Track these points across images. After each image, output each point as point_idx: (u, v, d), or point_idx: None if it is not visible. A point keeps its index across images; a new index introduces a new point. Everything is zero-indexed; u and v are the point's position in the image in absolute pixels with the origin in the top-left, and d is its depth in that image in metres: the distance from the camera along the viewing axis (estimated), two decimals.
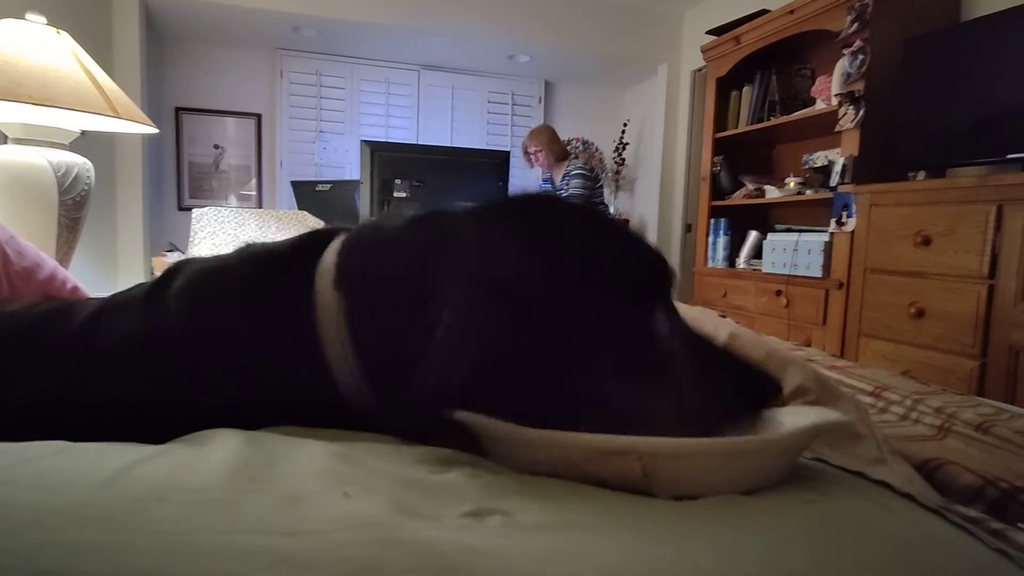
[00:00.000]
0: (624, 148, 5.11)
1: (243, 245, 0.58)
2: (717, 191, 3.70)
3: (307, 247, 0.56)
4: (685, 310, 0.85)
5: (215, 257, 0.58)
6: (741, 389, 0.51)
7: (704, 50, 3.74)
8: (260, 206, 4.89)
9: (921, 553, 0.35)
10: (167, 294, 0.54)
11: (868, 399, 1.00)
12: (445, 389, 0.44)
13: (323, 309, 0.51)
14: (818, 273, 2.73)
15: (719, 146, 3.70)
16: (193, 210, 2.89)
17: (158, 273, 0.59)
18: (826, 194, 2.86)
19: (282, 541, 0.28)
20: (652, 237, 4.90)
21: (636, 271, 0.52)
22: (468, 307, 0.45)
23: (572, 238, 0.51)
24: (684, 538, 0.33)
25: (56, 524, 0.28)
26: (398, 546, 0.28)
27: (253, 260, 0.56)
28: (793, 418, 0.50)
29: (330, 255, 0.53)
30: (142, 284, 0.59)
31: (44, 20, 1.53)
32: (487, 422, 0.43)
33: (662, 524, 0.35)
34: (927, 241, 2.17)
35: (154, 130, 1.73)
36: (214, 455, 0.37)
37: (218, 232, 2.61)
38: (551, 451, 0.41)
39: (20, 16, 1.50)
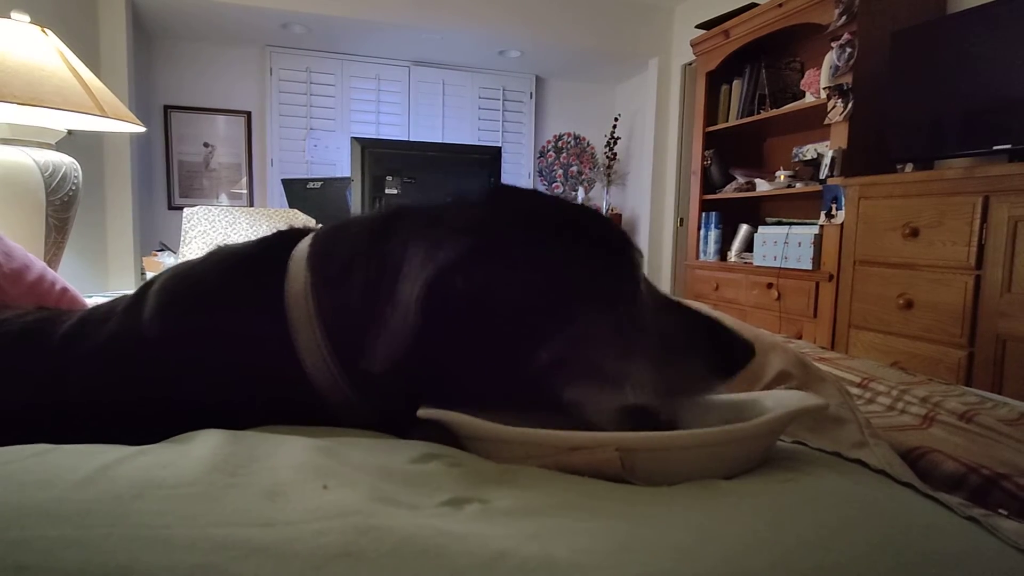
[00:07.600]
0: (615, 143, 5.11)
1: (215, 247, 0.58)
2: (708, 185, 3.71)
3: (279, 238, 0.56)
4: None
5: (188, 261, 0.58)
6: (713, 355, 0.50)
7: (694, 44, 3.75)
8: (251, 205, 4.87)
9: (889, 513, 0.36)
10: (145, 298, 0.54)
11: (856, 390, 1.01)
12: (391, 353, 0.43)
13: (292, 290, 0.50)
14: (808, 266, 2.75)
15: (710, 140, 3.71)
16: (184, 209, 2.88)
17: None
18: (816, 187, 2.88)
19: (258, 532, 0.28)
20: (644, 232, 4.91)
21: (604, 234, 0.51)
22: (420, 274, 0.44)
23: (539, 217, 0.50)
24: (662, 519, 0.33)
25: (33, 521, 0.28)
26: (374, 532, 0.29)
27: (223, 256, 0.56)
28: (773, 402, 0.51)
29: (304, 242, 0.54)
30: (125, 295, 0.60)
31: (28, 19, 1.52)
32: (464, 420, 0.43)
33: (640, 507, 0.35)
34: (915, 233, 2.19)
35: (141, 129, 1.72)
36: (194, 452, 0.37)
37: (209, 231, 2.59)
38: (528, 448, 0.42)
39: (4, 15, 1.49)
